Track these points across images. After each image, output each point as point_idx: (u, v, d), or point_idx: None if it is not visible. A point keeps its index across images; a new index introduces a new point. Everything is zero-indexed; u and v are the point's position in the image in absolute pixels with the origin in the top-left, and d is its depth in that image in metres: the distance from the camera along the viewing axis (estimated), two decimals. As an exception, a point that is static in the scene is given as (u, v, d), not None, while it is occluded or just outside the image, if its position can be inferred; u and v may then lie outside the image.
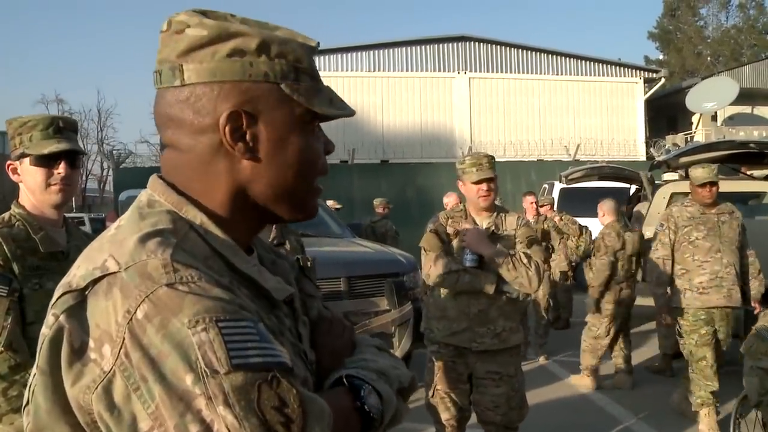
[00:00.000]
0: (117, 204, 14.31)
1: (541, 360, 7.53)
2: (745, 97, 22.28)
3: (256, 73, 0.96)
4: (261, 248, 1.14)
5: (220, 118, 0.95)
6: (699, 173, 5.23)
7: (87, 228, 17.52)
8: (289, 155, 0.99)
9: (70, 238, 2.40)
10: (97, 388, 0.81)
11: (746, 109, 23.80)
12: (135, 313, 0.80)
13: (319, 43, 1.05)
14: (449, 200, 8.44)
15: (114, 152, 18.67)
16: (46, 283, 2.21)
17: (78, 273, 0.88)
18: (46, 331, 0.86)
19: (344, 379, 1.04)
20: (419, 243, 3.93)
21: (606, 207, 6.82)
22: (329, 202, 10.22)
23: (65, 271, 2.23)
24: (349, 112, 1.04)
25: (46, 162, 2.27)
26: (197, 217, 0.97)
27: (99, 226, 18.59)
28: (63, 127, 2.31)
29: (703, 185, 5.20)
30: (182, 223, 0.95)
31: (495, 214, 3.84)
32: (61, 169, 2.28)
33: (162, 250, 0.86)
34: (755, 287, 5.33)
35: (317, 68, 1.04)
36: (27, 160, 2.27)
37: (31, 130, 2.26)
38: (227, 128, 0.95)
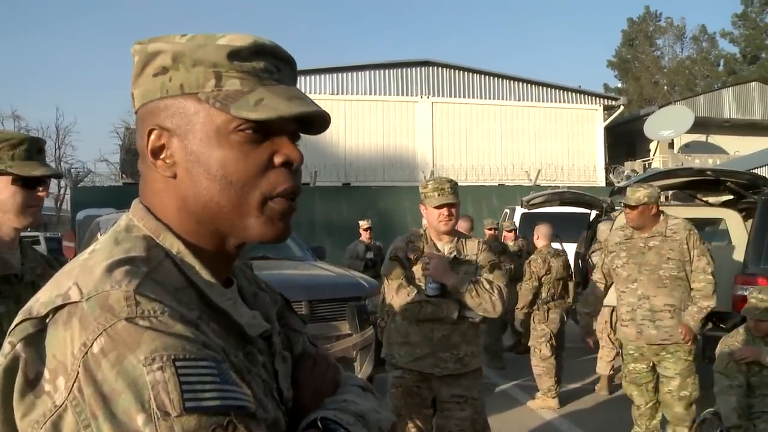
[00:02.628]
0: (74, 223, 14.02)
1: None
2: (700, 125, 22.86)
3: (172, 87, 0.93)
4: (243, 279, 1.11)
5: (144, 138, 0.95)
6: (627, 193, 4.75)
7: (42, 248, 17.13)
8: (209, 168, 0.92)
9: (25, 260, 2.31)
10: (46, 422, 0.77)
11: (701, 137, 24.38)
12: (91, 346, 0.77)
13: (255, 41, 0.94)
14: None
15: (72, 170, 18.39)
16: None
17: (42, 299, 0.85)
18: (0, 360, 0.82)
19: (319, 422, 1.00)
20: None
21: (541, 232, 7.25)
22: (361, 222, 10.02)
23: (18, 295, 2.17)
24: (282, 114, 0.90)
25: (31, 184, 2.20)
26: (174, 245, 0.94)
27: (55, 246, 18.19)
28: (41, 148, 2.26)
29: (628, 206, 4.70)
30: (157, 251, 0.92)
31: (456, 238, 3.83)
32: (41, 192, 2.23)
33: (128, 281, 0.82)
34: (689, 314, 4.55)
35: (258, 69, 0.94)
36: (3, 179, 2.19)
37: (14, 148, 2.18)
38: (149, 147, 0.94)
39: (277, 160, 0.94)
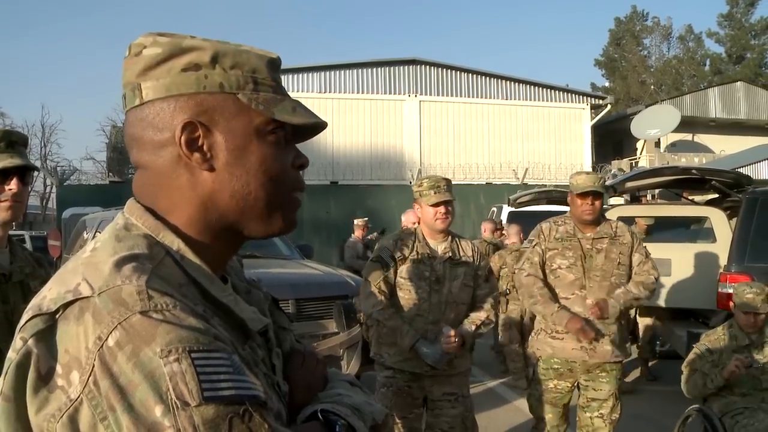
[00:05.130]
0: (60, 222, 13.91)
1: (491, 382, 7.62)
2: (686, 125, 22.98)
3: (210, 84, 0.96)
4: (235, 277, 1.13)
5: (176, 130, 0.95)
6: (581, 180, 4.01)
7: (27, 246, 16.93)
8: (251, 164, 0.97)
9: (14, 259, 2.29)
10: (62, 416, 0.78)
11: (687, 137, 24.53)
12: (106, 339, 0.78)
13: (279, 56, 1.04)
14: (407, 218, 8.20)
15: (58, 169, 18.29)
16: None
17: (49, 295, 0.85)
18: (12, 355, 0.83)
19: (319, 414, 1.03)
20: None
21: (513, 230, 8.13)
22: (359, 221, 9.85)
23: (6, 294, 2.16)
24: (316, 121, 1.02)
25: None
26: (174, 243, 0.95)
27: (40, 245, 18.06)
28: (15, 141, 2.23)
29: (583, 195, 3.98)
30: (158, 249, 0.93)
31: (450, 238, 3.83)
32: (12, 185, 2.19)
33: (137, 276, 0.84)
34: (615, 295, 3.98)
35: (281, 81, 1.04)
36: None
37: None
38: (182, 139, 0.95)
39: (297, 162, 1.05)
